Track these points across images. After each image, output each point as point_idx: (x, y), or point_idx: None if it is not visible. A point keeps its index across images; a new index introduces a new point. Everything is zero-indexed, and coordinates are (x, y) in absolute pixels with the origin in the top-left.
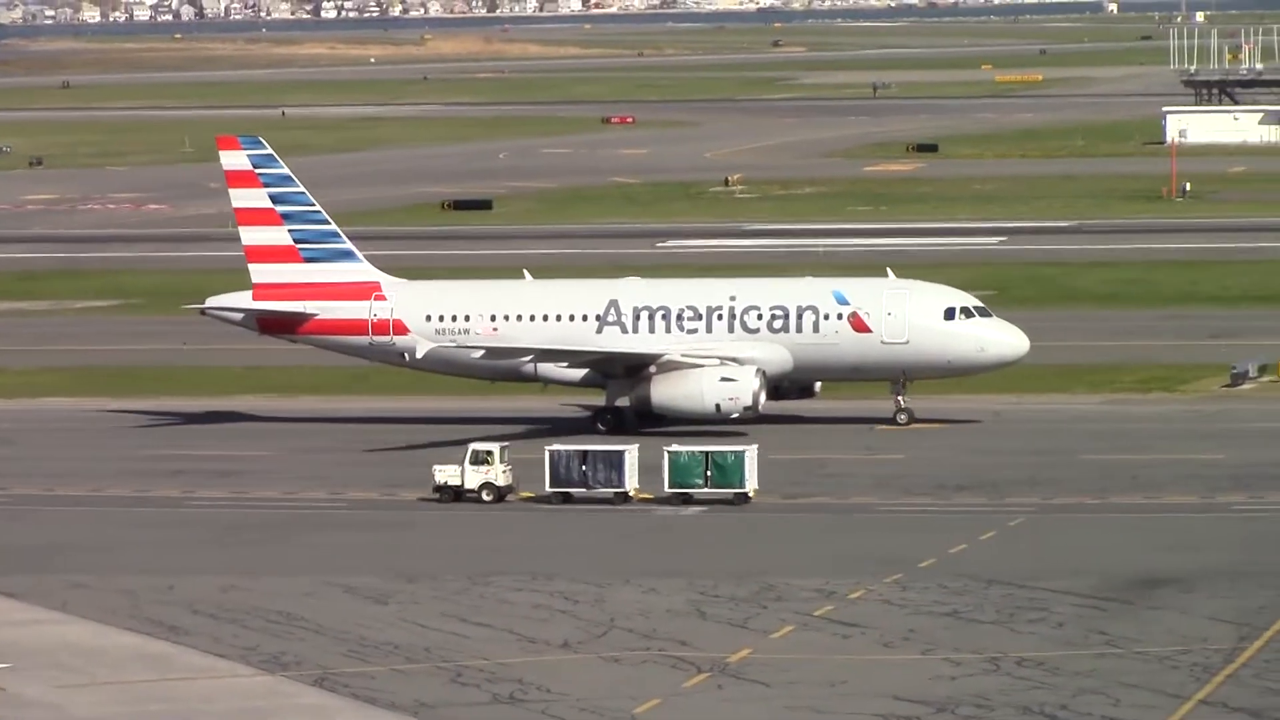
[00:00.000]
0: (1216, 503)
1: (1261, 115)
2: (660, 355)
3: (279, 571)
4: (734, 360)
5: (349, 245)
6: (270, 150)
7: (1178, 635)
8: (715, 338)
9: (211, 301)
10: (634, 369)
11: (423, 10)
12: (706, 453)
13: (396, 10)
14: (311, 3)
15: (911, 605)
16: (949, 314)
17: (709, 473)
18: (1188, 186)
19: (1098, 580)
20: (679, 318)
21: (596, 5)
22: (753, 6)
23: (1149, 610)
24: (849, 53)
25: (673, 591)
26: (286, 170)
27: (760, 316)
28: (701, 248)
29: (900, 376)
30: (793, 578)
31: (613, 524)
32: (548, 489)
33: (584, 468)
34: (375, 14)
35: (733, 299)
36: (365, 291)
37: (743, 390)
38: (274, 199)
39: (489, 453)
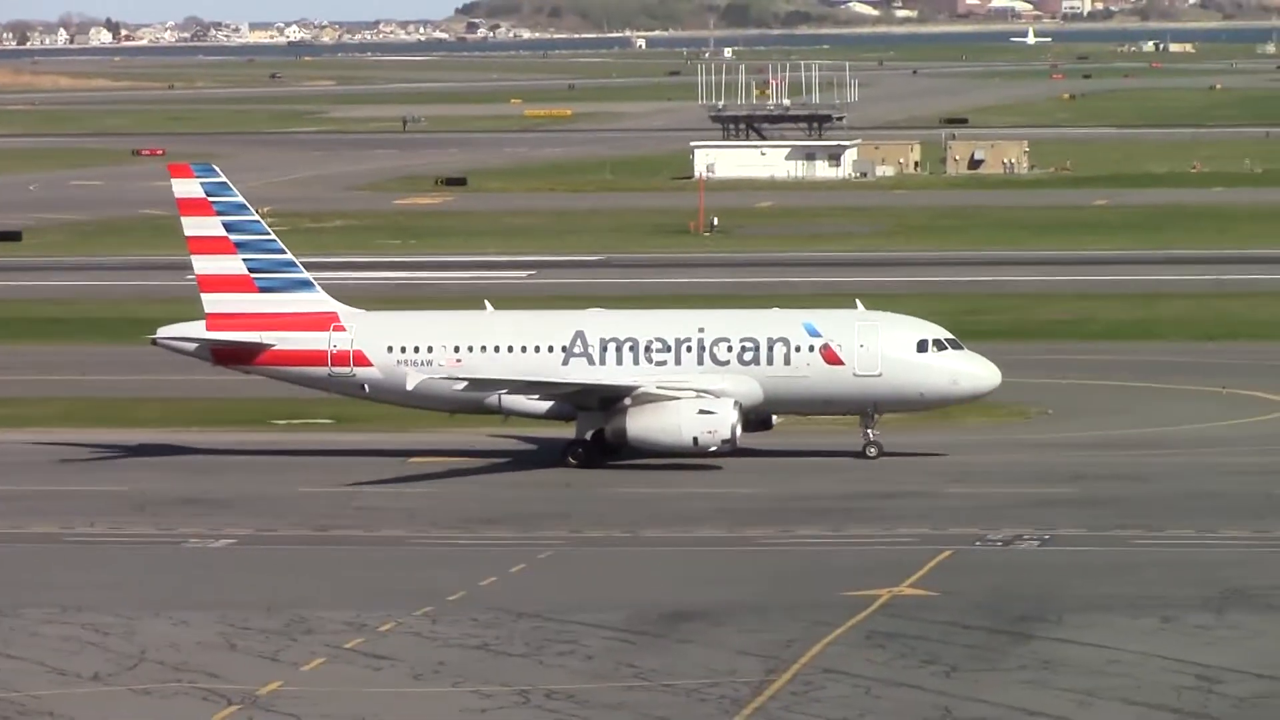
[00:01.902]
0: (746, 536)
1: (788, 150)
2: (635, 388)
3: None
4: (708, 393)
5: (305, 275)
6: (224, 178)
7: (706, 668)
8: (684, 370)
9: (163, 332)
10: (608, 401)
11: None
12: None
13: None
14: None
15: (442, 638)
16: (921, 346)
17: None
18: (715, 221)
19: (627, 613)
20: (647, 349)
21: (127, 37)
22: (283, 40)
23: (678, 643)
24: (379, 86)
25: (203, 624)
26: (241, 199)
27: (730, 349)
28: None
29: (871, 409)
30: (323, 610)
31: (142, 556)
32: None
33: None
34: None
35: (702, 331)
36: (323, 322)
37: (721, 423)
38: (228, 227)
39: None
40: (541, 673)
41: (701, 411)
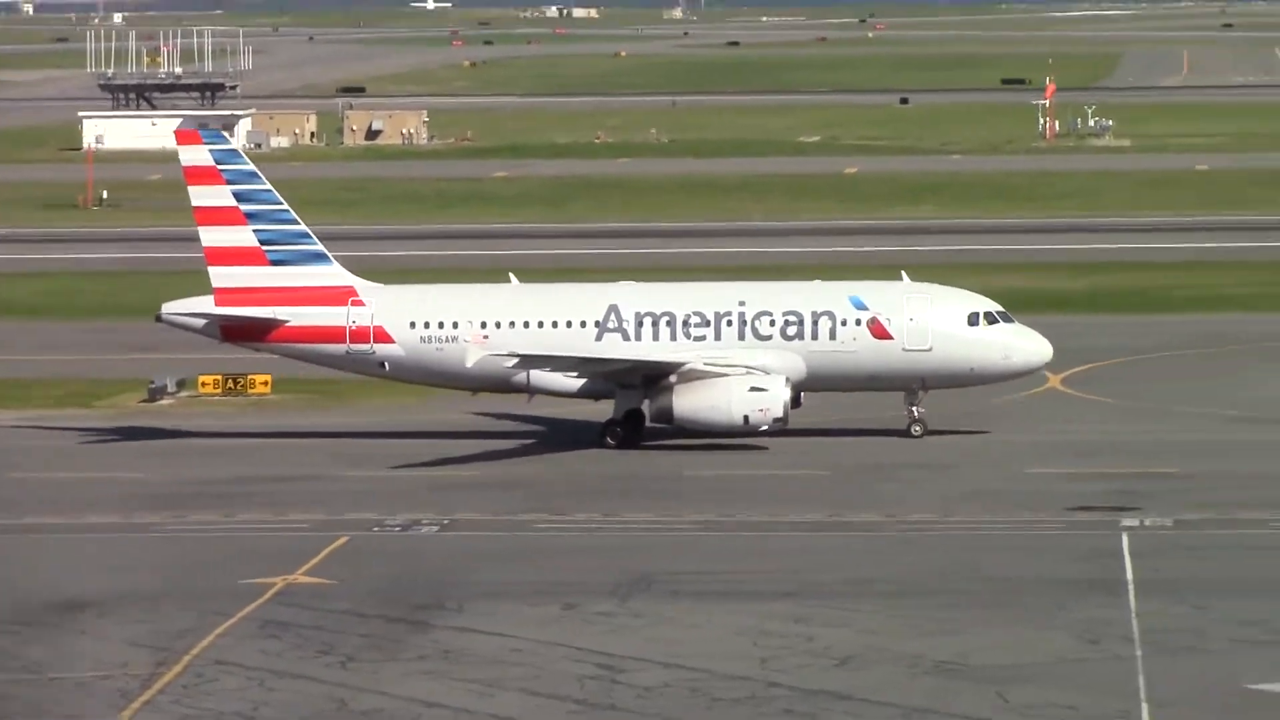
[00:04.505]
0: (137, 523)
1: (181, 121)
2: (683, 364)
3: None
4: (754, 369)
5: (320, 247)
6: (234, 145)
7: (96, 660)
8: (724, 345)
9: (168, 308)
10: (652, 378)
11: None
12: None
13: None
14: None
15: None
16: (972, 319)
17: None
18: (105, 194)
19: (12, 604)
20: (685, 324)
21: None
22: None
23: (67, 635)
24: None
25: None
26: (251, 166)
27: (773, 323)
28: None
29: (918, 386)
30: None
31: None
32: None
33: None
34: None
35: (742, 304)
36: (340, 296)
37: (774, 401)
38: (238, 197)
39: None
40: None
41: (753, 389)
